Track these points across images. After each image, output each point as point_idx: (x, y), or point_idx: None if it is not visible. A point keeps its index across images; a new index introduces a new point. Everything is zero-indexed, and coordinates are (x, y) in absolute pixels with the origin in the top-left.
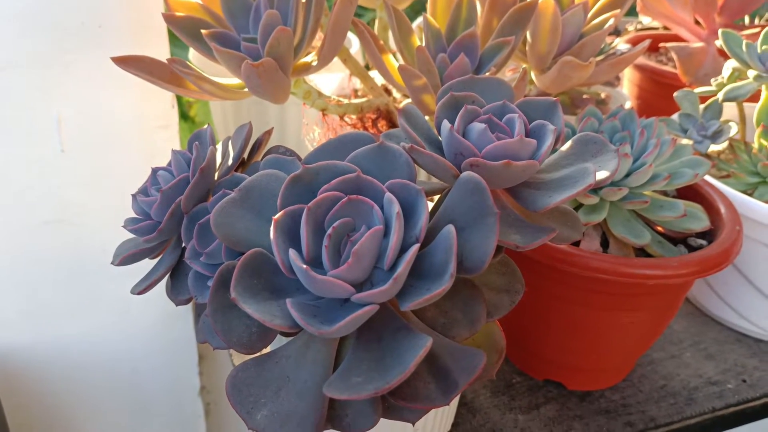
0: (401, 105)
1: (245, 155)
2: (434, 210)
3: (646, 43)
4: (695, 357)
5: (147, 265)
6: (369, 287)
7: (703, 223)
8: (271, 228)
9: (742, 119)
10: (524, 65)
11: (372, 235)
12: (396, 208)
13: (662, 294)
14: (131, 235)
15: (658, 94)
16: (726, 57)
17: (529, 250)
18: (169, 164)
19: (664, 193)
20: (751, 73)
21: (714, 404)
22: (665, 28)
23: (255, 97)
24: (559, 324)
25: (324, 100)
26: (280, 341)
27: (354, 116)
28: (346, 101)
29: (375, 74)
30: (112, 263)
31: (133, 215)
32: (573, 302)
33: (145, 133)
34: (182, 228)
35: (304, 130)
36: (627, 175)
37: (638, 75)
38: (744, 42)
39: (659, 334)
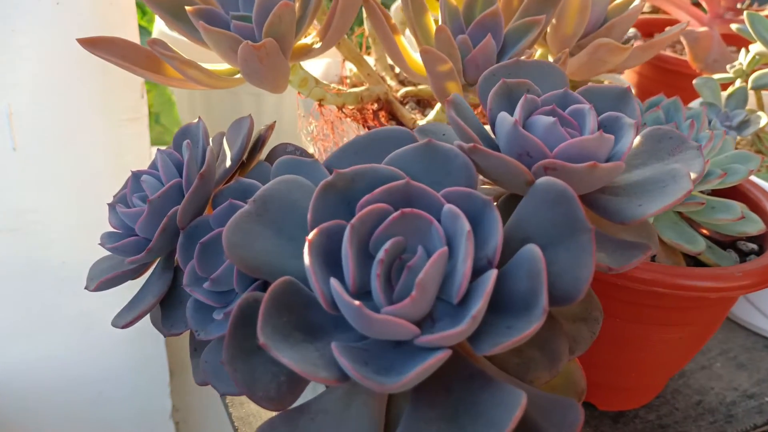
0: (399, 94)
1: (244, 156)
2: None
3: (684, 24)
4: (726, 367)
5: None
6: (430, 325)
7: (757, 225)
8: (305, 251)
9: (761, 108)
10: (540, 49)
11: (438, 259)
12: (464, 224)
13: (715, 307)
14: (95, 246)
15: (658, 81)
16: (730, 42)
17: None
18: (153, 166)
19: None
20: None
21: (755, 420)
22: (658, 11)
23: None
24: (600, 340)
25: (322, 88)
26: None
27: (352, 107)
28: (345, 90)
29: (368, 59)
30: (87, 289)
31: (110, 228)
32: (617, 317)
33: (111, 128)
34: (178, 247)
35: (300, 124)
36: None
37: None
38: None
39: (700, 348)
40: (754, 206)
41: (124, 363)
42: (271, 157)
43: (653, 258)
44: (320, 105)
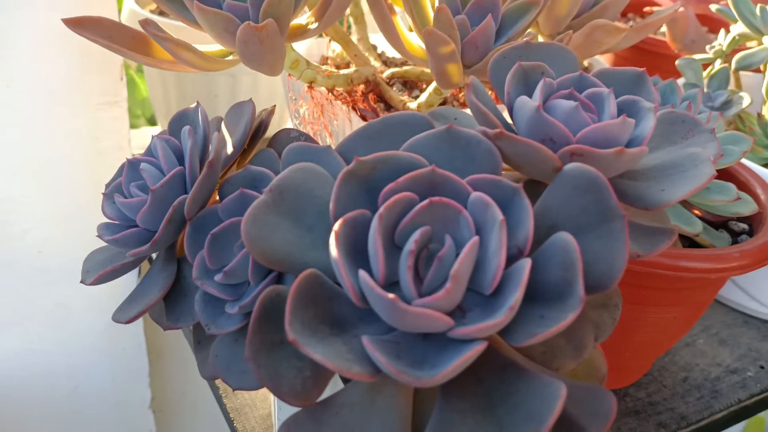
0: (384, 75)
1: (246, 142)
2: None
3: (679, 4)
4: (709, 343)
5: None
6: (461, 316)
7: (751, 206)
8: (332, 243)
9: (739, 88)
10: (531, 30)
11: (471, 250)
12: (496, 212)
13: (709, 286)
14: (73, 235)
15: (637, 63)
16: (704, 23)
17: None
18: (149, 154)
19: None
20: (767, 40)
21: (739, 395)
22: None
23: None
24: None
25: (314, 70)
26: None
27: (341, 89)
28: (335, 71)
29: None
30: (83, 282)
31: (87, 216)
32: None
33: (88, 111)
34: (185, 239)
35: (292, 107)
36: None
37: None
38: (759, 6)
39: (690, 327)
40: (743, 187)
41: (102, 355)
42: (273, 143)
43: None
44: (310, 87)
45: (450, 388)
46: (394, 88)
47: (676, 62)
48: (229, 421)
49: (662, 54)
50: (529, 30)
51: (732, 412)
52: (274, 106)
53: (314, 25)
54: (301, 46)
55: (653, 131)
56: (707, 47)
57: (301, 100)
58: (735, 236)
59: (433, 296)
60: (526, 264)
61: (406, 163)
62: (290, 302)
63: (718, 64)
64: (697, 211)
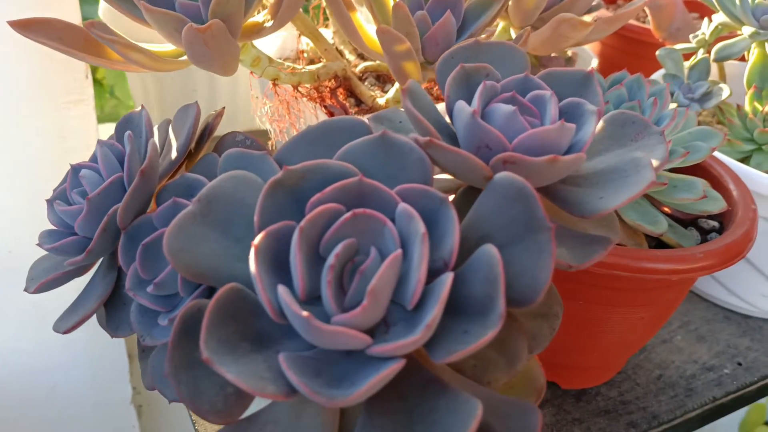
0: (358, 69)
1: (192, 146)
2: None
3: None
4: (687, 339)
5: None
6: (384, 330)
7: (719, 204)
8: (251, 256)
9: (723, 78)
10: (502, 22)
11: (391, 264)
12: (419, 225)
13: (676, 287)
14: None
15: (623, 51)
16: (694, 10)
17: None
18: (93, 159)
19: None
20: (747, 30)
21: (714, 393)
22: None
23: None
24: (564, 322)
25: (276, 67)
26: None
27: (309, 85)
28: (300, 68)
29: (325, 32)
30: (26, 290)
31: (50, 225)
32: (578, 299)
33: (53, 110)
34: (120, 248)
35: (254, 105)
36: None
37: None
38: None
39: (661, 326)
40: (715, 182)
41: (81, 353)
42: (219, 147)
43: None
44: (275, 85)
45: (373, 405)
46: (367, 83)
47: (657, 53)
48: (192, 423)
49: (648, 42)
50: (501, 22)
51: (707, 410)
52: (223, 108)
53: (270, 23)
54: (275, 41)
55: (604, 132)
56: (690, 36)
57: (265, 98)
58: (705, 234)
59: (350, 313)
60: (447, 279)
61: (335, 172)
62: (207, 319)
63: (700, 54)
64: (666, 209)
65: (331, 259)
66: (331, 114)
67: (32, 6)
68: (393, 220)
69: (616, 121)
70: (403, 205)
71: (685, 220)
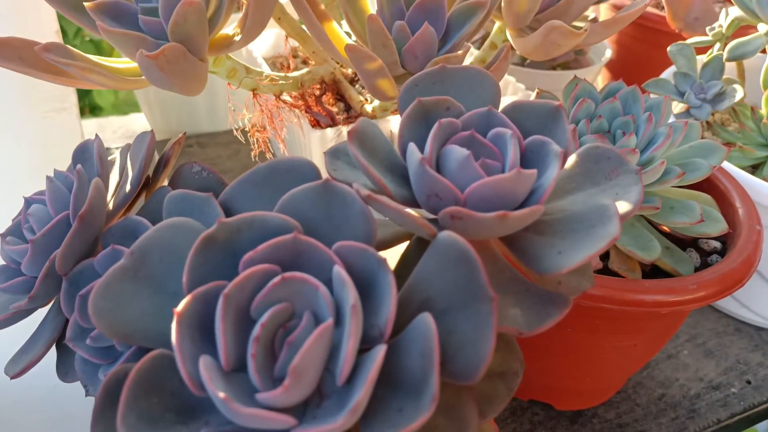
0: (350, 70)
1: (149, 172)
2: (397, 272)
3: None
4: (694, 354)
5: None
6: (317, 404)
7: (719, 226)
8: (173, 325)
9: (741, 76)
10: (497, 22)
11: (318, 338)
12: (350, 294)
13: (668, 318)
14: None
15: (640, 40)
16: None
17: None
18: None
19: None
20: (762, 27)
21: (718, 415)
22: None
23: None
24: (550, 348)
25: (253, 78)
26: None
27: (295, 92)
28: (283, 75)
29: None
30: None
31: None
32: (567, 327)
33: (35, 119)
34: (61, 296)
35: (231, 118)
36: None
37: None
38: None
39: (658, 351)
40: (721, 198)
41: None
42: (176, 178)
43: (607, 262)
44: (255, 95)
45: None
46: (359, 85)
47: (668, 49)
48: None
49: (665, 32)
50: (497, 22)
51: None
52: (183, 135)
53: (239, 37)
54: (269, 38)
55: (577, 167)
56: (707, 29)
57: (244, 110)
58: (706, 255)
59: (272, 393)
60: (378, 355)
61: (273, 226)
62: (125, 392)
63: (716, 49)
64: (665, 228)
65: (256, 330)
66: (316, 122)
67: (6, 14)
68: (330, 285)
69: (591, 157)
70: (336, 269)
71: (686, 240)
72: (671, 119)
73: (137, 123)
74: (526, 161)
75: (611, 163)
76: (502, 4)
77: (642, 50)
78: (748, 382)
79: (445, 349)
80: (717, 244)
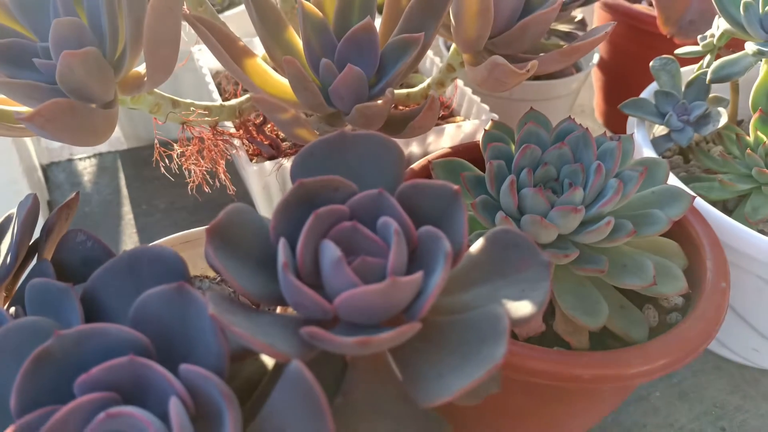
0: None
1: (31, 240)
2: (263, 388)
3: (609, 26)
4: (666, 396)
5: None
6: None
7: (678, 285)
8: None
9: (735, 90)
10: (454, 44)
11: None
12: None
13: (608, 393)
14: None
15: (632, 39)
16: None
17: None
18: None
19: None
20: (750, 47)
21: None
22: None
23: None
24: (496, 410)
25: (179, 113)
26: None
27: (237, 120)
28: (217, 105)
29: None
30: None
31: None
32: (510, 390)
33: None
34: None
35: (156, 154)
36: (578, 231)
37: (609, 17)
38: (743, 1)
39: (613, 410)
40: (689, 244)
41: None
42: (60, 248)
43: (551, 324)
44: (186, 127)
45: None
46: None
47: (651, 64)
48: None
49: (658, 33)
50: (454, 46)
51: None
52: (74, 197)
53: (146, 80)
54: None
55: (484, 254)
56: (699, 38)
57: (177, 145)
58: (665, 313)
59: None
60: None
61: (116, 340)
62: None
63: (707, 61)
64: None
65: None
66: (258, 152)
67: None
68: (167, 418)
69: (499, 242)
70: (173, 401)
71: (645, 296)
72: (644, 151)
73: None
74: (416, 257)
75: (520, 252)
76: (452, 29)
77: (633, 49)
78: (723, 429)
79: None
80: (678, 300)
